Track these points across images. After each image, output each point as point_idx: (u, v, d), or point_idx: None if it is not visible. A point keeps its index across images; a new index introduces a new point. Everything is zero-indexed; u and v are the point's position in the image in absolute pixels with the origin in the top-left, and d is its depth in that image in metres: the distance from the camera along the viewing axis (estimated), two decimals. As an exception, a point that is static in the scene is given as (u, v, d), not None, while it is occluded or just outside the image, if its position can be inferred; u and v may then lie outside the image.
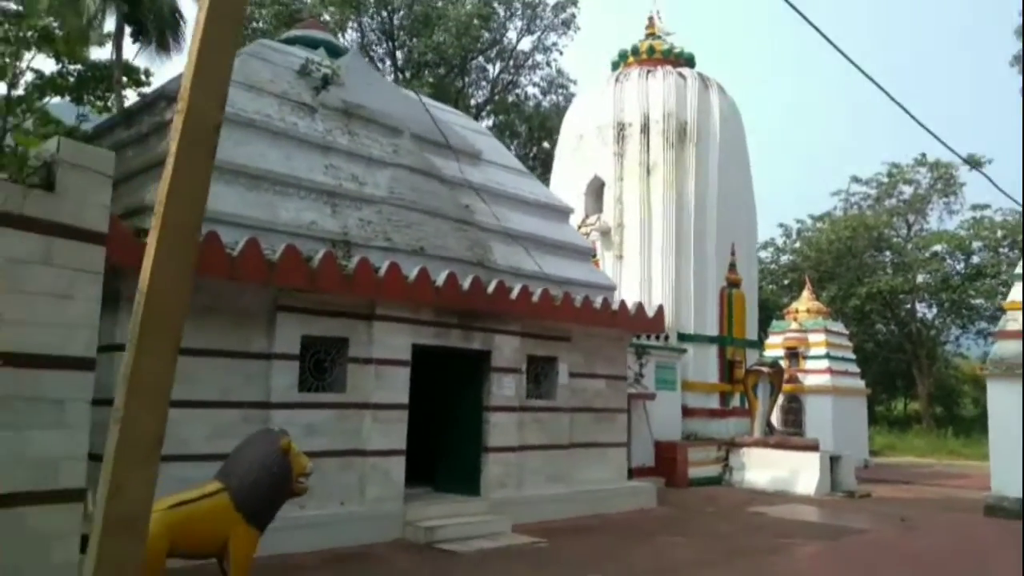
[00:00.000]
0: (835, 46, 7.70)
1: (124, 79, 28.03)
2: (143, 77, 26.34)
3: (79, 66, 27.92)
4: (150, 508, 4.27)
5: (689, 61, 22.19)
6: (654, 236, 19.49)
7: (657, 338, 17.38)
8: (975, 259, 44.07)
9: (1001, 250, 42.72)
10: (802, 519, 13.62)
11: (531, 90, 34.20)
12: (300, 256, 9.30)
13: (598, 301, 13.15)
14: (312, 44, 13.83)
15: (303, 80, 11.91)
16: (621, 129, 20.49)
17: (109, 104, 27.75)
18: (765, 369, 18.72)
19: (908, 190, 47.18)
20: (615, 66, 22.66)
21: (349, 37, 30.55)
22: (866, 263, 45.68)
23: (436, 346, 11.15)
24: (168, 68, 33.60)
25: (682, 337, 18.96)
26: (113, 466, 4.13)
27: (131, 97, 28.63)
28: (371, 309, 10.35)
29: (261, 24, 29.93)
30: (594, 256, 16.20)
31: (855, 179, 48.64)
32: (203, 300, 8.58)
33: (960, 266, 44.69)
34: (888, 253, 46.96)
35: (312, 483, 6.84)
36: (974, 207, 44.47)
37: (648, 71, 21.15)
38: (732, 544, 10.71)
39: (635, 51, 22.30)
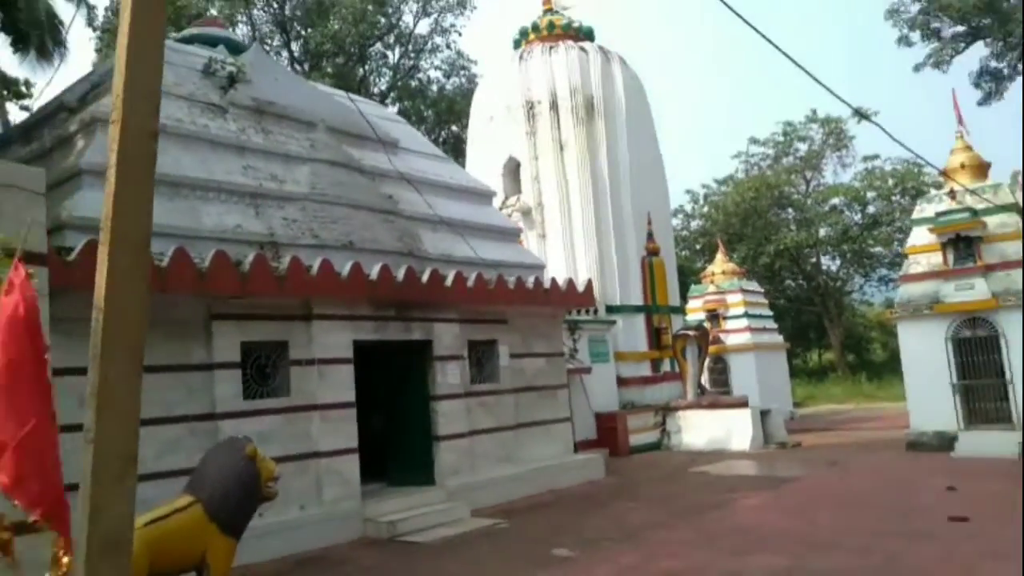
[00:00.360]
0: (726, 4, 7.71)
1: (4, 92, 26.51)
2: (23, 88, 24.99)
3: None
4: (132, 527, 4.12)
5: (589, 35, 22.42)
6: (573, 212, 19.72)
7: (587, 312, 17.63)
8: (871, 209, 46.12)
9: (894, 198, 44.81)
10: (741, 474, 14.13)
11: (433, 74, 33.96)
12: (230, 261, 9.04)
13: (530, 281, 13.26)
14: (211, 42, 13.39)
15: (208, 80, 11.53)
16: (531, 107, 20.59)
17: None
18: (691, 332, 19.26)
19: (803, 147, 49.08)
20: (517, 44, 22.70)
21: (240, 31, 29.63)
22: (771, 221, 47.32)
23: (377, 340, 11.05)
24: (49, 75, 31.92)
25: (610, 309, 19.30)
26: (91, 488, 3.96)
27: (12, 110, 27.17)
28: (308, 309, 10.17)
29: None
30: (519, 236, 16.27)
31: (753, 140, 50.34)
32: (81, 313, 8.25)
33: (857, 217, 46.71)
34: (791, 210, 48.74)
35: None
36: (865, 159, 46.55)
37: (550, 47, 21.29)
38: (681, 504, 11.05)
39: (535, 28, 22.37)
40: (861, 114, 15.19)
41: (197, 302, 9.01)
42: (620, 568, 7.68)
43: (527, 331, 13.70)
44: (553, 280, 13.89)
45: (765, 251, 45.04)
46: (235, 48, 13.69)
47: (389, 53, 31.63)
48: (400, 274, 11.07)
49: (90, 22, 28.28)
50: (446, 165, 14.70)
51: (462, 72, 32.95)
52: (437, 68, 32.42)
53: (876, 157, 46.04)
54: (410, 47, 31.79)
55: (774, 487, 12.12)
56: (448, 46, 31.65)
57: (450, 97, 31.65)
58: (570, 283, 14.20)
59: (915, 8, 33.81)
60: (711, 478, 13.57)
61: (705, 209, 49.65)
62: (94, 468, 3.99)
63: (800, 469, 13.96)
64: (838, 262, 48.97)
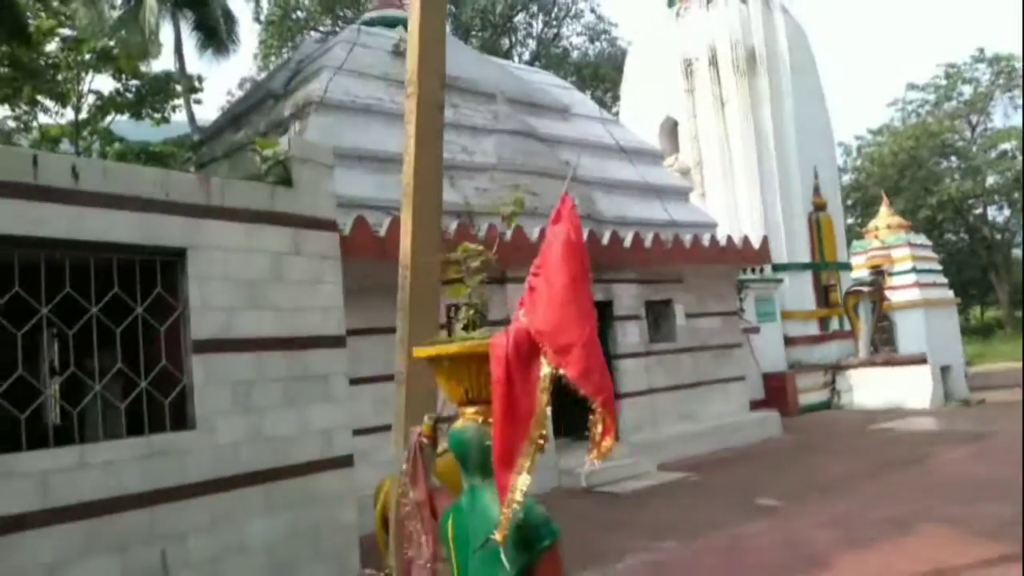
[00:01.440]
0: None
1: (178, 87, 28.70)
2: (197, 84, 27.03)
3: (137, 81, 28.71)
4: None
5: (747, -14, 21.80)
6: (736, 170, 19.44)
7: (753, 271, 17.45)
8: (1048, 150, 42.58)
9: (1075, 136, 41.18)
10: (930, 430, 13.75)
11: (576, 40, 33.95)
12: (368, 226, 9.61)
13: (705, 239, 13.31)
14: (392, 23, 14.09)
15: (399, 59, 12.18)
16: (688, 64, 20.35)
17: (166, 115, 28.48)
18: (865, 289, 18.69)
19: (968, 90, 45.74)
20: (671, 1, 22.39)
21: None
22: (932, 172, 44.57)
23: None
24: (224, 68, 34.23)
25: (776, 268, 18.95)
26: (405, 420, 4.57)
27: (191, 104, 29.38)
28: (502, 274, 10.69)
29: (302, 13, 30.17)
30: (689, 195, 16.26)
31: (911, 86, 47.39)
32: (356, 282, 9.00)
33: (1033, 161, 43.23)
34: (954, 158, 45.72)
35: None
36: (1041, 97, 42.88)
37: (708, 1, 20.88)
38: (877, 458, 10.93)
39: (690, -17, 21.97)
40: None
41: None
42: (835, 515, 7.79)
43: (702, 290, 13.77)
44: (729, 238, 13.86)
45: (925, 203, 42.55)
46: (411, 27, 14.35)
47: (532, 22, 31.85)
48: (584, 236, 11.39)
49: (256, 16, 30.11)
50: (615, 128, 14.89)
51: (604, 36, 32.78)
52: (580, 34, 32.39)
53: (1055, 94, 42.37)
54: (553, 15, 31.87)
55: (973, 441, 11.75)
56: (593, 11, 31.55)
57: (594, 62, 31.58)
58: (745, 240, 14.13)
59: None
60: (898, 434, 13.28)
61: (859, 162, 47.28)
62: (407, 405, 4.60)
63: (993, 425, 13.40)
64: (1006, 212, 45.63)
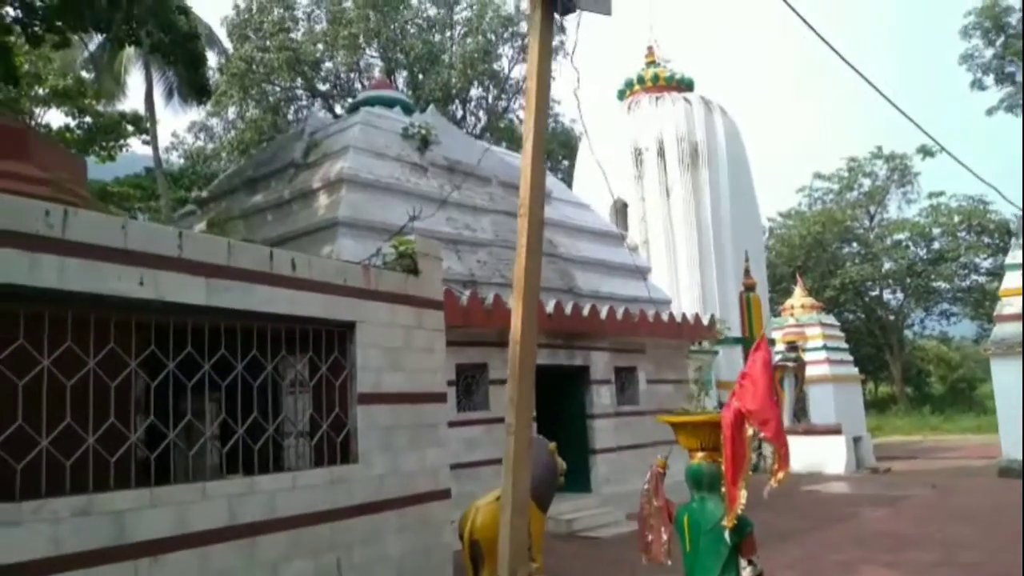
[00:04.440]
0: (805, 19, 8.91)
1: (129, 127, 29.38)
2: (146, 125, 27.85)
3: (89, 119, 29.23)
4: (528, 492, 6.04)
5: (690, 86, 24.35)
6: (679, 251, 21.53)
7: (696, 344, 19.32)
8: (936, 244, 46.94)
9: (959, 234, 45.62)
10: (851, 493, 15.65)
11: (522, 115, 36.09)
12: (456, 298, 11.00)
13: (665, 315, 15.04)
14: (388, 103, 15.54)
15: (407, 142, 13.61)
16: (639, 153, 22.53)
17: (112, 154, 29.09)
18: (790, 364, 20.82)
19: (867, 183, 50.28)
20: (622, 94, 24.71)
21: (357, 86, 32.17)
22: (835, 255, 48.45)
23: (550, 365, 12.91)
24: (188, 115, 34.83)
25: (713, 342, 20.94)
26: (513, 466, 5.88)
27: (134, 145, 30.10)
28: (502, 337, 12.03)
29: (264, 69, 31.23)
30: (648, 274, 18.08)
31: (818, 175, 51.74)
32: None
33: (923, 252, 47.53)
34: (855, 244, 49.77)
35: (470, 489, 8.47)
36: (930, 195, 47.49)
37: (656, 98, 23.25)
38: (815, 515, 12.66)
39: (640, 79, 24.38)
40: (930, 146, 16.65)
41: (430, 331, 10.98)
42: (794, 559, 9.35)
43: (659, 360, 15.45)
44: (684, 315, 15.65)
45: (830, 284, 46.14)
46: (407, 108, 15.84)
47: (486, 95, 33.84)
48: (568, 308, 12.94)
49: (220, 68, 31.05)
50: (587, 211, 16.63)
51: (552, 113, 35.05)
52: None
53: (942, 194, 46.96)
54: (504, 91, 33.96)
55: (891, 504, 13.65)
56: (542, 90, 33.76)
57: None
58: (697, 318, 15.96)
59: (989, 53, 35.10)
60: (825, 496, 15.13)
61: (770, 242, 50.86)
62: (515, 450, 5.94)
63: (905, 490, 15.42)
64: (900, 296, 49.77)
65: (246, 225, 12.91)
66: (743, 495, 3.75)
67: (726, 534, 3.89)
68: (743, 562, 4.00)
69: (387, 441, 5.83)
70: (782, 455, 3.66)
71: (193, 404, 4.78)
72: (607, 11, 7.15)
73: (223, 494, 4.62)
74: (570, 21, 6.84)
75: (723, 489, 3.91)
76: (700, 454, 4.16)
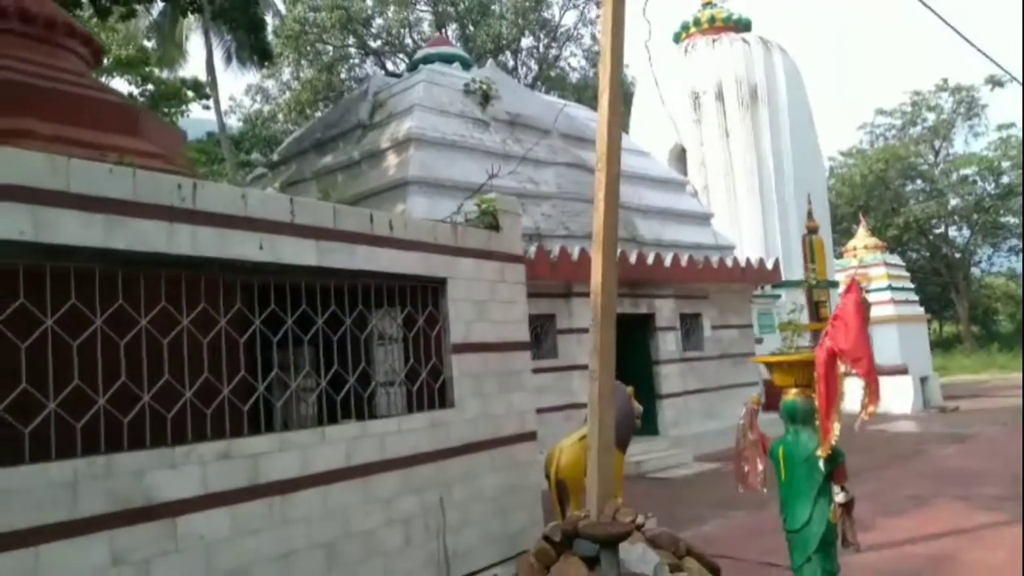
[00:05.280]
0: None
1: (190, 93, 30.07)
2: (207, 91, 28.52)
3: (152, 87, 30.01)
4: (613, 431, 6.40)
5: (747, 26, 23.84)
6: (739, 195, 21.38)
7: (758, 287, 19.34)
8: (1005, 179, 45.38)
9: (1031, 163, 43.91)
10: (919, 431, 15.71)
11: (573, 62, 35.79)
12: (523, 251, 11.29)
13: (728, 260, 15.13)
14: (448, 59, 15.71)
15: (469, 97, 13.82)
16: (696, 97, 22.27)
17: (174, 119, 29.81)
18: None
19: (932, 117, 48.60)
20: (677, 37, 24.33)
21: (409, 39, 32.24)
22: (899, 193, 47.24)
23: (617, 314, 13.16)
24: (244, 78, 35.47)
25: (774, 284, 20.90)
26: (599, 407, 6.23)
27: (195, 110, 30.88)
28: (568, 289, 12.38)
29: (318, 30, 31.52)
30: (711, 220, 18.10)
31: (880, 111, 50.18)
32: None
33: (991, 187, 46.02)
34: (919, 181, 48.43)
35: (541, 433, 8.81)
36: (999, 127, 45.66)
37: (713, 39, 22.84)
38: (885, 453, 12.80)
39: (696, 22, 23.94)
40: (999, 78, 16.13)
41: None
42: (867, 493, 9.51)
43: (723, 305, 15.61)
44: (748, 260, 15.72)
45: (892, 223, 45.13)
46: (466, 63, 16.00)
47: (537, 45, 33.62)
48: (632, 257, 13.15)
49: (276, 31, 31.47)
50: (647, 159, 16.67)
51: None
52: (583, 57, 34.25)
53: (1011, 126, 45.11)
54: (555, 38, 33.69)
55: (959, 441, 13.71)
56: (593, 37, 33.41)
57: (595, 86, 33.41)
58: (761, 262, 16.01)
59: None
60: (893, 435, 15.24)
61: (831, 182, 49.77)
62: (599, 394, 6.27)
63: (973, 428, 15.41)
64: (966, 233, 48.44)
65: (318, 186, 13.33)
66: (836, 427, 4.02)
67: (820, 463, 4.19)
68: (835, 488, 4.31)
69: (478, 387, 6.21)
70: (873, 391, 3.90)
71: (301, 357, 5.22)
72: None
73: (341, 438, 5.06)
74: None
75: (816, 422, 4.17)
76: (794, 390, 4.43)
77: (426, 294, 5.94)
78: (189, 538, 4.17)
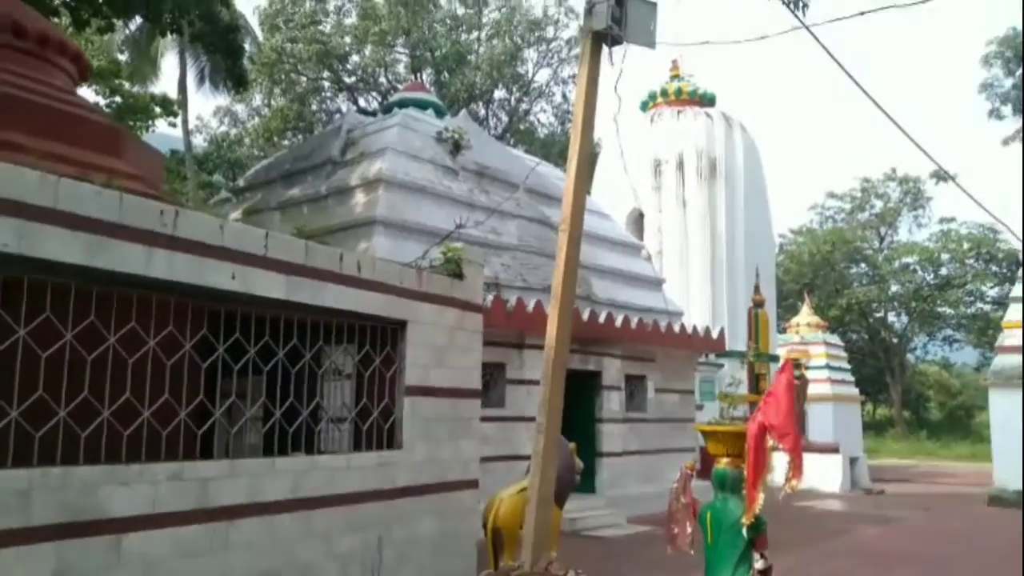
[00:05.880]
0: (823, 46, 9.46)
1: (158, 109, 30.02)
2: (176, 109, 28.52)
3: (119, 99, 29.88)
4: (553, 485, 6.59)
5: (711, 101, 24.82)
6: (692, 263, 22.02)
7: (704, 355, 19.84)
8: (943, 270, 47.25)
9: (968, 261, 45.84)
10: (845, 511, 16.16)
11: (543, 118, 36.62)
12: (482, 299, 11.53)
13: (676, 326, 15.57)
14: (422, 105, 16.06)
15: (440, 145, 14.14)
16: (658, 165, 23.02)
17: (139, 134, 29.58)
18: (796, 382, 21.30)
19: (879, 204, 50.67)
20: (644, 106, 25.19)
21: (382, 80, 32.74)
22: (843, 275, 48.83)
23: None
24: (215, 100, 35.51)
25: (718, 353, 21.45)
26: (543, 461, 6.43)
27: (160, 126, 30.75)
28: (521, 340, 12.62)
29: (294, 60, 31.81)
30: (662, 285, 18.59)
31: (831, 194, 52.12)
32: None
33: (930, 277, 47.82)
34: (863, 265, 50.12)
35: (482, 482, 8.96)
36: (941, 220, 47.73)
37: (678, 111, 23.72)
38: (810, 529, 13.17)
39: (664, 92, 24.86)
40: (943, 173, 17.14)
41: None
42: (786, 568, 9.85)
43: (668, 369, 15.99)
44: (694, 327, 16.19)
45: (836, 303, 46.54)
46: (439, 111, 16.38)
47: (509, 98, 34.39)
48: (586, 315, 13.47)
49: (251, 57, 31.67)
50: (607, 220, 17.16)
51: (571, 119, 35.54)
52: (552, 114, 35.09)
53: (953, 220, 47.18)
54: (527, 94, 34.51)
55: (884, 523, 14.16)
56: (564, 96, 34.32)
57: (561, 142, 34.20)
58: (707, 330, 16.49)
59: (1008, 83, 35.52)
60: (820, 512, 15.65)
61: (780, 258, 51.23)
62: (543, 448, 6.48)
63: (898, 511, 15.93)
64: (904, 319, 50.11)
65: (282, 217, 13.43)
66: (761, 497, 4.30)
67: (744, 530, 4.46)
68: (756, 555, 4.57)
69: (427, 431, 6.37)
70: (797, 465, 4.21)
71: (245, 387, 5.36)
72: (652, 44, 7.69)
73: (290, 469, 5.17)
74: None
75: (743, 491, 4.46)
76: (725, 459, 4.72)
77: (385, 335, 6.12)
78: (132, 555, 4.23)
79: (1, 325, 3.83)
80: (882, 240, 51.43)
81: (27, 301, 3.94)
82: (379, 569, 5.79)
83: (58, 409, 4.06)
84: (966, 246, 45.62)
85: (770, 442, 4.30)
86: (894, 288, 47.54)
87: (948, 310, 48.58)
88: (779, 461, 4.93)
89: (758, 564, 4.53)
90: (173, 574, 4.41)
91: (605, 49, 7.26)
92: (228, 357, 4.93)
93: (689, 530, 4.92)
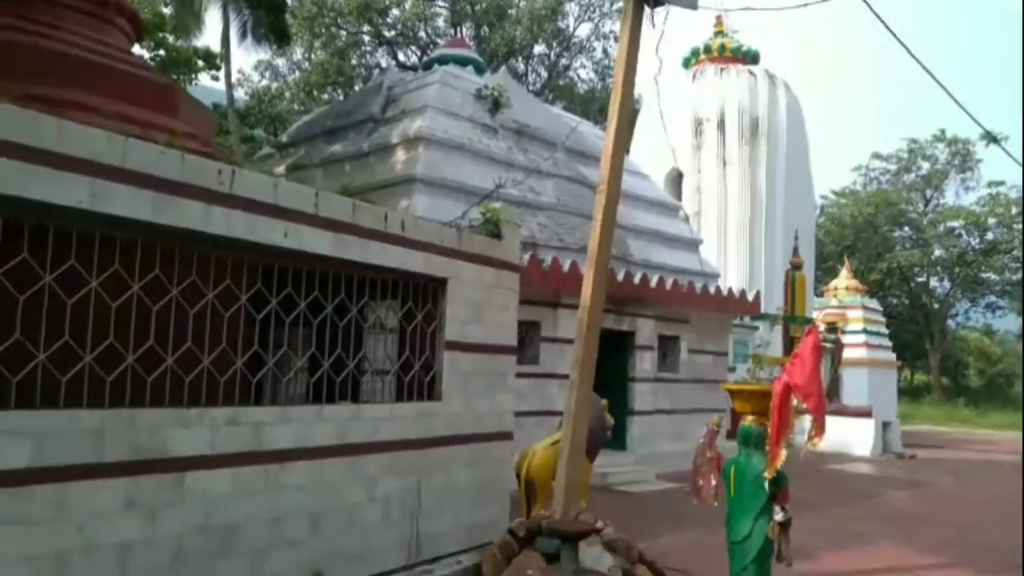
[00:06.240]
0: (869, 4, 9.13)
1: (201, 63, 30.34)
2: (219, 63, 28.84)
3: (163, 52, 30.19)
4: (584, 439, 6.85)
5: (755, 59, 24.44)
6: (730, 224, 21.94)
7: (736, 316, 19.87)
8: (989, 235, 46.16)
9: (1015, 226, 44.68)
10: (875, 475, 16.28)
11: (583, 74, 36.27)
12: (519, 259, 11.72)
13: (711, 288, 15.63)
14: (462, 62, 16.12)
15: (480, 103, 14.24)
16: (699, 124, 22.83)
17: (183, 87, 29.87)
18: (828, 345, 21.25)
19: (926, 166, 49.39)
20: (687, 63, 24.87)
21: (422, 34, 32.61)
22: (886, 238, 47.97)
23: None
24: (256, 54, 35.78)
25: (754, 316, 21.45)
26: (574, 416, 6.68)
27: (203, 80, 31.10)
28: (556, 299, 12.82)
29: (334, 14, 31.82)
30: (699, 246, 18.61)
31: (876, 155, 50.91)
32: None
33: (975, 241, 46.75)
34: (907, 228, 49.15)
35: (516, 435, 9.17)
36: (990, 184, 46.43)
37: (722, 69, 23.42)
38: (839, 490, 13.35)
39: (707, 49, 24.52)
40: (991, 137, 16.87)
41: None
42: (816, 527, 10.07)
43: (702, 331, 16.10)
44: (730, 290, 16.24)
45: (876, 267, 45.86)
46: (479, 67, 16.41)
47: (549, 52, 34.10)
48: (620, 275, 13.61)
49: (292, 11, 31.77)
50: (645, 180, 17.16)
51: (611, 75, 35.20)
52: (592, 70, 34.75)
53: (1002, 183, 45.93)
54: (568, 48, 34.17)
55: (913, 487, 14.27)
56: (605, 51, 33.93)
57: (601, 99, 33.91)
58: (743, 293, 16.54)
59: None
60: (850, 475, 15.80)
61: (820, 219, 50.45)
62: (576, 403, 6.71)
63: (928, 476, 16.00)
64: (947, 284, 49.26)
65: (324, 173, 13.71)
66: (783, 453, 4.51)
67: (766, 484, 4.69)
68: (776, 508, 4.79)
69: (465, 384, 6.64)
70: (819, 424, 4.39)
71: (295, 338, 5.64)
72: (693, 6, 7.71)
73: (336, 417, 5.47)
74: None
75: (767, 447, 4.67)
76: (751, 417, 4.93)
77: (427, 291, 6.36)
78: (193, 493, 4.56)
79: (75, 276, 4.12)
80: (927, 203, 50.29)
81: (98, 255, 4.21)
82: (418, 514, 6.11)
83: (126, 355, 4.36)
84: (1014, 210, 44.48)
85: (794, 401, 4.49)
86: (937, 252, 46.68)
87: (992, 276, 47.59)
88: (804, 424, 5.13)
89: (778, 516, 4.76)
90: (230, 510, 4.75)
91: (647, 10, 7.33)
92: (280, 310, 5.19)
93: (714, 482, 5.16)
